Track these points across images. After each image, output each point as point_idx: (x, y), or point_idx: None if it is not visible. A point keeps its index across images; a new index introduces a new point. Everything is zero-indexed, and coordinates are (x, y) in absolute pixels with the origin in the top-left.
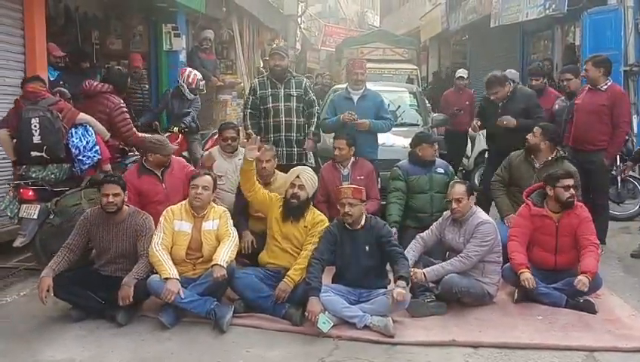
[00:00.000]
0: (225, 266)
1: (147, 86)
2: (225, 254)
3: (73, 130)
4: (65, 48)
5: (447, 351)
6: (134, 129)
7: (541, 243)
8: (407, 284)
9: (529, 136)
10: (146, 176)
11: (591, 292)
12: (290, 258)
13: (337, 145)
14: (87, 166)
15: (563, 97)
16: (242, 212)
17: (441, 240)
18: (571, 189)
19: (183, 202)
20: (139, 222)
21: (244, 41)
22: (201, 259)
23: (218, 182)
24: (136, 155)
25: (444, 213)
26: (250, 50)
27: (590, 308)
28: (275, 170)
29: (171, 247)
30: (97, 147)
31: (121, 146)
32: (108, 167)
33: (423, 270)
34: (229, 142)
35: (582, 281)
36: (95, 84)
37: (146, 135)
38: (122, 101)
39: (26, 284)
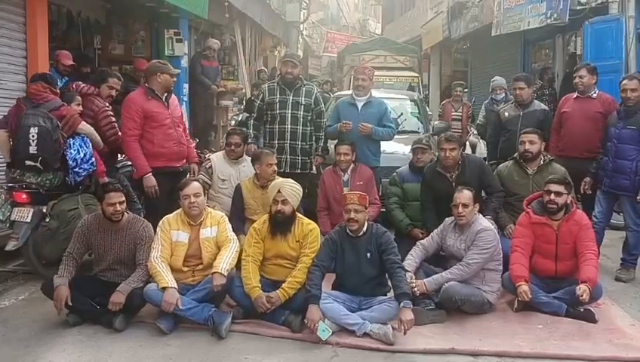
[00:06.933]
0: (225, 274)
1: None
2: (225, 262)
3: (71, 141)
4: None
5: (447, 359)
6: (120, 133)
7: (541, 251)
8: (411, 301)
9: (530, 147)
10: (154, 100)
11: (591, 302)
12: (288, 272)
13: (341, 150)
14: (81, 177)
15: (511, 104)
16: (238, 216)
17: (441, 247)
18: (552, 195)
19: (178, 211)
20: (138, 230)
21: (246, 47)
22: (200, 266)
23: (220, 186)
24: (126, 161)
25: (446, 219)
26: (252, 57)
27: (590, 318)
28: (276, 176)
29: (170, 256)
30: (93, 159)
31: (107, 150)
32: (104, 180)
33: (424, 280)
34: (233, 148)
35: (584, 290)
36: (82, 85)
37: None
38: (107, 104)
39: (25, 288)
